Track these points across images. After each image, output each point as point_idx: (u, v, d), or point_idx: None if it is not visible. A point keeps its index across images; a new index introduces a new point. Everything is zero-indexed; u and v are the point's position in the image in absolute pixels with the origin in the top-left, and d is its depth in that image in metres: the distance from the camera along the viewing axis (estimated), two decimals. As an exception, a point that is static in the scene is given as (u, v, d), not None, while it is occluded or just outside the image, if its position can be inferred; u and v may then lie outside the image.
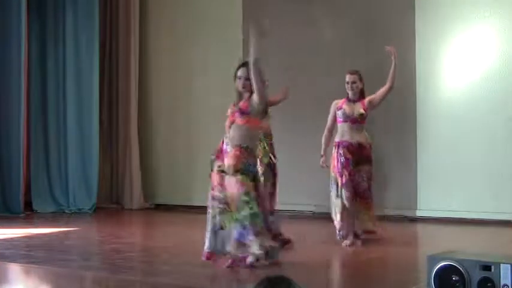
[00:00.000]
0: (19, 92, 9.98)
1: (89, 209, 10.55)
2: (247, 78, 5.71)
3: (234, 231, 5.54)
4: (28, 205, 10.20)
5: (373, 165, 7.02)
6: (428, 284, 4.39)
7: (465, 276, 4.24)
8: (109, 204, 11.08)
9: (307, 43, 9.72)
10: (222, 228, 5.57)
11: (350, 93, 7.04)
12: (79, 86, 10.75)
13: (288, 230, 6.40)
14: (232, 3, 10.47)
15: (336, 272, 5.99)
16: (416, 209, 9.02)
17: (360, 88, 7.06)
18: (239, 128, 5.63)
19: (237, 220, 5.52)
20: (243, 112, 5.64)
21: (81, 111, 10.71)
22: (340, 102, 7.06)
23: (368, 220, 6.98)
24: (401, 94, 9.16)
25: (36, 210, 10.25)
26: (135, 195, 10.94)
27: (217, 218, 5.58)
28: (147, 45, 11.32)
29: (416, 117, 9.06)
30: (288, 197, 8.34)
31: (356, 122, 6.96)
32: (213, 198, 5.63)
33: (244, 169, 5.54)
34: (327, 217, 7.21)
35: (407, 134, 9.11)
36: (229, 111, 5.76)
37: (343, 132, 6.97)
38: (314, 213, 9.40)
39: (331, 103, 7.18)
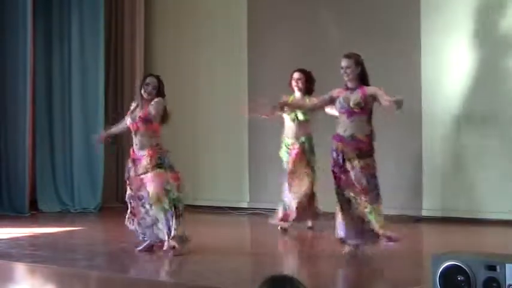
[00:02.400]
0: (25, 91, 10.00)
1: (94, 209, 10.56)
2: (155, 87, 6.70)
3: (163, 220, 6.36)
4: (33, 204, 10.20)
5: (373, 159, 6.29)
6: (433, 284, 4.38)
7: (470, 276, 4.23)
8: (114, 204, 11.08)
9: (312, 43, 9.71)
10: (156, 221, 6.43)
11: (346, 79, 6.28)
12: (84, 86, 10.76)
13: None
14: (237, 3, 10.47)
15: (339, 270, 5.98)
16: (421, 208, 9.00)
17: (357, 73, 6.26)
18: (145, 134, 6.55)
19: (163, 209, 6.34)
20: (145, 120, 6.54)
21: (87, 111, 10.72)
22: (340, 90, 6.34)
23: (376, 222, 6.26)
24: (407, 93, 9.14)
25: (41, 210, 10.25)
26: (140, 195, 10.93)
27: (150, 213, 6.43)
28: (152, 44, 11.32)
29: (422, 116, 9.03)
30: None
31: (352, 113, 6.22)
32: (139, 198, 6.49)
33: (160, 163, 6.45)
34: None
35: (412, 132, 9.09)
36: (128, 120, 6.65)
37: (338, 124, 6.31)
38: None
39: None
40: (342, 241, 6.27)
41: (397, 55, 9.16)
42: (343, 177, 6.16)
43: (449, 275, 4.32)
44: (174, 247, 6.34)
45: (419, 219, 8.92)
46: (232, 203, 8.64)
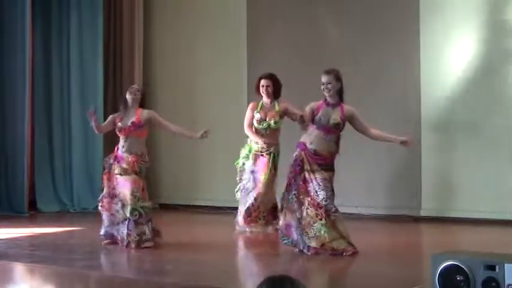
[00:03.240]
0: (23, 91, 9.99)
1: (93, 209, 10.52)
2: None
3: (130, 218, 6.84)
4: (32, 204, 10.19)
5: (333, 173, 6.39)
6: (433, 283, 4.38)
7: (469, 276, 4.24)
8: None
9: (311, 43, 9.71)
10: (123, 219, 6.92)
11: (327, 95, 6.37)
12: (83, 86, 10.75)
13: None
14: (236, 3, 10.47)
15: (338, 270, 5.98)
16: (420, 208, 9.01)
17: (337, 89, 6.38)
18: (135, 139, 7.01)
19: (133, 210, 6.83)
20: (137, 126, 6.99)
21: (86, 111, 10.66)
22: (318, 104, 6.40)
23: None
24: (406, 93, 9.17)
25: (40, 210, 10.24)
26: (138, 195, 10.92)
27: (120, 212, 6.90)
28: (151, 45, 11.31)
29: (420, 116, 9.03)
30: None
31: (330, 131, 6.35)
32: (116, 196, 6.95)
33: (139, 171, 6.97)
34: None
35: (411, 133, 9.07)
36: (120, 124, 7.04)
37: (312, 136, 6.38)
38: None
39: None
40: (294, 244, 6.37)
41: (395, 55, 9.17)
42: (301, 184, 6.28)
43: (448, 274, 4.32)
44: (128, 244, 6.86)
45: (418, 219, 8.92)
46: (232, 203, 8.63)
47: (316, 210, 6.20)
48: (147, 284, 5.28)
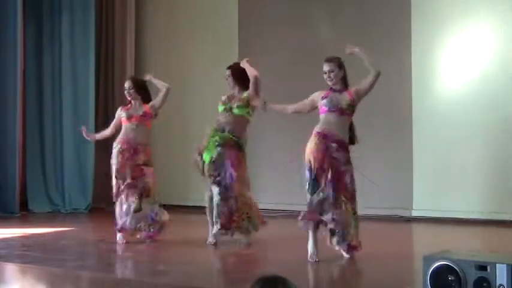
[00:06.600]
0: (15, 93, 9.97)
1: (85, 209, 10.54)
2: (131, 88, 7.40)
3: (148, 211, 7.16)
4: (24, 205, 10.18)
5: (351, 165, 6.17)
6: (424, 284, 4.39)
7: (461, 276, 4.24)
8: (105, 204, 11.05)
9: (303, 41, 9.73)
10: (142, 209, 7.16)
11: (330, 83, 6.16)
12: (75, 87, 10.74)
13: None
14: (228, 3, 10.47)
15: (329, 272, 5.99)
16: (411, 209, 9.03)
17: (341, 77, 6.17)
18: (143, 129, 7.39)
19: (153, 202, 7.25)
20: (145, 116, 7.37)
21: (77, 112, 10.70)
22: (325, 92, 6.20)
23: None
24: (397, 93, 9.18)
25: (31, 210, 10.23)
26: (130, 195, 10.91)
27: (135, 202, 7.16)
28: (143, 45, 11.32)
29: (412, 117, 9.06)
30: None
31: (344, 113, 6.09)
32: (134, 186, 7.21)
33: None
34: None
35: (403, 133, 9.12)
36: (124, 114, 7.36)
37: (328, 123, 6.08)
38: None
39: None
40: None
41: (387, 55, 9.17)
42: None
43: (440, 275, 4.33)
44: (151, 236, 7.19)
45: (409, 220, 8.94)
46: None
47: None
48: (140, 285, 5.27)
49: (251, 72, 7.07)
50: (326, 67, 6.17)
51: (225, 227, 6.86)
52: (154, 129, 11.05)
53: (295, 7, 9.84)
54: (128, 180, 7.23)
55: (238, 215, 6.90)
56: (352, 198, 6.10)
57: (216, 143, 7.01)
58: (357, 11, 9.52)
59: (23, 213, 9.95)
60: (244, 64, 7.17)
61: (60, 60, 10.71)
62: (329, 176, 5.96)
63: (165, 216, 7.35)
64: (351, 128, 6.20)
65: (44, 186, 10.57)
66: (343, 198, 6.03)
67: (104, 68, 11.28)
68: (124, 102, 7.65)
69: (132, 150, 7.26)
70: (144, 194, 7.24)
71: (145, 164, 7.32)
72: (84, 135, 7.94)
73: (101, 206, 10.71)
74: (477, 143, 8.67)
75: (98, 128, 10.95)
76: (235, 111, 7.09)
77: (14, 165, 9.94)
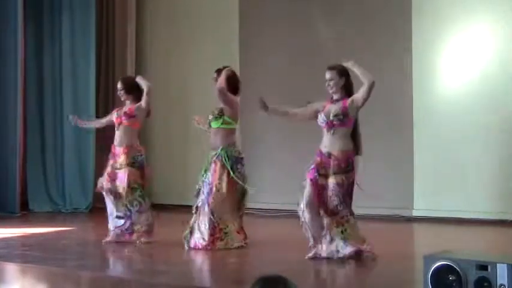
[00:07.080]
0: (16, 92, 9.98)
1: (85, 209, 10.54)
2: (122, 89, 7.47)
3: (128, 213, 7.11)
4: (24, 204, 10.18)
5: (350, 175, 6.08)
6: (425, 283, 4.39)
7: (462, 276, 4.24)
8: (105, 204, 11.05)
9: (303, 41, 9.72)
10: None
11: (330, 92, 6.08)
12: (75, 86, 10.74)
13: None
14: (228, 5, 10.46)
15: (331, 271, 5.98)
16: (412, 208, 9.02)
17: (341, 85, 6.05)
18: (126, 130, 7.26)
19: (129, 203, 7.10)
20: (128, 115, 7.26)
21: (78, 111, 10.65)
22: (324, 104, 6.12)
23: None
24: (398, 93, 9.18)
25: (32, 210, 10.24)
26: (130, 195, 10.91)
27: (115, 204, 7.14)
28: (143, 45, 11.31)
29: (412, 117, 9.05)
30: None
31: (332, 125, 5.98)
32: (111, 190, 7.16)
33: (133, 162, 7.16)
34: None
35: (403, 133, 9.11)
36: (114, 115, 7.38)
37: (323, 138, 6.07)
38: None
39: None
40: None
41: (387, 55, 9.19)
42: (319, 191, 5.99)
43: (440, 274, 4.32)
44: (138, 238, 7.10)
45: (410, 219, 8.94)
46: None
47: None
48: (139, 284, 5.27)
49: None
50: (327, 75, 6.10)
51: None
52: (155, 129, 11.11)
53: (295, 7, 9.83)
54: (108, 186, 7.27)
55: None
56: (332, 212, 6.00)
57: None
58: (356, 11, 9.51)
59: (24, 213, 9.96)
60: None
61: (60, 60, 10.71)
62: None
63: (144, 218, 7.20)
64: (354, 137, 6.10)
65: (44, 186, 10.57)
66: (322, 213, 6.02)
67: (104, 68, 11.28)
68: (124, 102, 7.65)
69: (113, 155, 7.34)
70: (117, 196, 7.22)
71: (123, 165, 7.22)
72: (73, 123, 8.03)
73: (101, 205, 10.69)
74: (477, 142, 8.66)
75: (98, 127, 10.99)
76: (214, 125, 7.18)
77: (14, 164, 9.95)
